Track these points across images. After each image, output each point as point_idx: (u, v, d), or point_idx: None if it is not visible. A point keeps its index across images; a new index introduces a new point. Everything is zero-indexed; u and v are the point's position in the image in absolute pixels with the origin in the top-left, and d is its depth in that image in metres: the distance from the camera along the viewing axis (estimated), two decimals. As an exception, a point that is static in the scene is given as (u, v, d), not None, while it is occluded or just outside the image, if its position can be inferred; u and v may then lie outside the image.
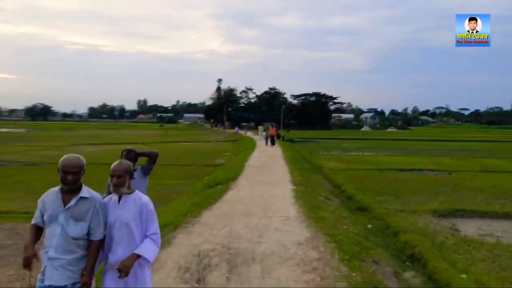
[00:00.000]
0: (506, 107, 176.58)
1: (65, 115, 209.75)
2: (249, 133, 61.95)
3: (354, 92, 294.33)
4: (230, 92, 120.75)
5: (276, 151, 28.35)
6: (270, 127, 41.86)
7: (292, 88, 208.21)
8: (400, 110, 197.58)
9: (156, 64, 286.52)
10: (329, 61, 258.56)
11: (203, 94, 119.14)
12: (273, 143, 34.15)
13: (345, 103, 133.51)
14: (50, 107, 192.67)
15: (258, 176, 14.73)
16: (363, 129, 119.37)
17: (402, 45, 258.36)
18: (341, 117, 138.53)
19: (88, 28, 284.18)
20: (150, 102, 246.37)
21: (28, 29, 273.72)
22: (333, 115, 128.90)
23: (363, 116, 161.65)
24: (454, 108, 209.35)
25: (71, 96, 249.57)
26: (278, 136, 43.24)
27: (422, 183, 16.60)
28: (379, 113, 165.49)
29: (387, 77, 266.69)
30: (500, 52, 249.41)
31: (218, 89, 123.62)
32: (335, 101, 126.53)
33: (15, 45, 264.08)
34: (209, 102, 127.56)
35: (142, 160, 5.88)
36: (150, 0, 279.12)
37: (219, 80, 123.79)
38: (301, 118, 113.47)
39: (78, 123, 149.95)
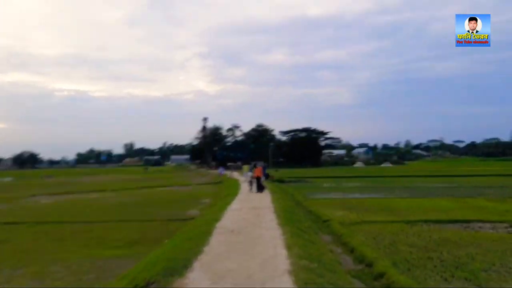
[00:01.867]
0: (503, 138, 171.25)
1: (52, 162, 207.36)
2: (236, 174, 56.03)
3: (344, 128, 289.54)
4: (216, 130, 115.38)
5: (263, 198, 21.49)
6: (253, 167, 36.36)
7: (281, 125, 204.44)
8: (392, 144, 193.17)
9: (144, 107, 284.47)
10: (318, 97, 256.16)
11: (190, 135, 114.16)
12: (259, 188, 25.76)
13: (336, 138, 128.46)
14: (37, 154, 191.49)
15: (229, 259, 8.01)
16: (356, 165, 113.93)
17: (392, 78, 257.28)
18: (333, 153, 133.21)
19: (76, 73, 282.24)
20: (138, 145, 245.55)
21: (16, 77, 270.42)
22: (324, 151, 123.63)
23: (355, 151, 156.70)
24: (448, 140, 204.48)
25: (60, 142, 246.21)
26: (267, 177, 37.45)
27: (489, 248, 10.73)
28: (371, 148, 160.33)
29: (377, 111, 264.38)
30: (495, 82, 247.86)
31: (204, 128, 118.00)
32: (326, 136, 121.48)
33: (3, 93, 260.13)
34: (195, 142, 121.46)
35: None
36: (136, 42, 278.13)
37: (205, 119, 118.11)
38: (290, 156, 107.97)
39: (62, 170, 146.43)
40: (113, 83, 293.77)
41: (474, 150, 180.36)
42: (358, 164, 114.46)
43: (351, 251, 10.17)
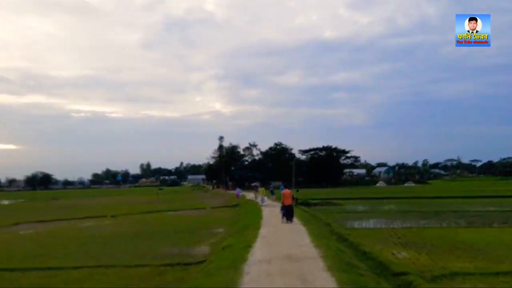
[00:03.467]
0: None
1: (67, 183, 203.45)
2: (252, 196, 51.65)
3: (361, 147, 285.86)
4: (233, 149, 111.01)
5: (298, 235, 16.15)
6: (283, 188, 32.01)
7: (298, 145, 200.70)
8: (410, 163, 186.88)
9: (161, 128, 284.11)
10: (333, 117, 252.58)
11: (207, 155, 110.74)
12: (289, 216, 21.06)
13: (358, 156, 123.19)
14: (51, 175, 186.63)
15: None
16: (378, 184, 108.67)
17: (406, 99, 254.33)
18: (353, 172, 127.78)
19: (93, 95, 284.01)
20: (154, 165, 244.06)
21: (32, 99, 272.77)
22: (344, 170, 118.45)
23: (375, 171, 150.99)
24: (465, 160, 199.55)
25: (76, 163, 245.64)
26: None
27: None
28: (391, 168, 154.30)
29: (392, 131, 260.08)
30: (507, 103, 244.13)
31: (220, 147, 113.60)
32: (347, 155, 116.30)
33: (19, 115, 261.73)
34: (211, 162, 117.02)
35: None
36: (153, 64, 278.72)
37: (221, 138, 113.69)
38: (310, 175, 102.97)
39: (74, 191, 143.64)
40: (130, 104, 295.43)
41: (492, 169, 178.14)
42: (380, 184, 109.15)
43: None
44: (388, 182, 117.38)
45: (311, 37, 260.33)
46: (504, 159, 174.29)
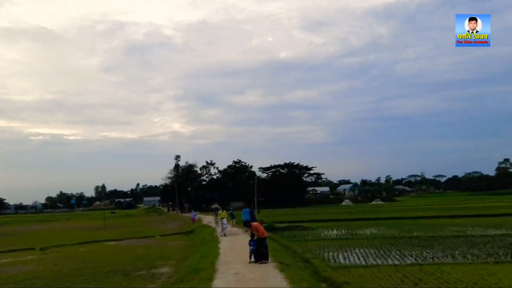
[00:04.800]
0: (484, 172, 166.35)
1: (19, 207, 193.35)
2: (209, 219, 45.24)
3: (322, 165, 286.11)
4: (190, 168, 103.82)
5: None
6: (247, 211, 26.63)
7: (258, 163, 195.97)
8: (372, 180, 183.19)
9: (119, 149, 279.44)
10: (293, 135, 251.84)
11: (164, 176, 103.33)
12: (263, 255, 14.23)
13: (322, 173, 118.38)
14: (3, 199, 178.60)
15: None
16: (344, 203, 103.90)
17: (364, 116, 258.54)
18: (317, 190, 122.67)
19: (52, 118, 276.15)
20: (110, 187, 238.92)
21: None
22: (307, 188, 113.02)
23: (339, 188, 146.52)
24: (428, 175, 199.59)
25: (32, 187, 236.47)
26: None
27: None
28: (356, 185, 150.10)
29: (352, 147, 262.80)
30: (465, 117, 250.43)
31: (176, 166, 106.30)
32: (310, 172, 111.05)
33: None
34: (167, 182, 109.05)
35: None
36: (113, 87, 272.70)
37: (177, 157, 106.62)
38: (271, 194, 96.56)
39: (23, 216, 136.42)
40: (89, 126, 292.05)
41: (458, 184, 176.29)
42: (346, 202, 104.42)
43: None
44: (354, 200, 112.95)
45: (267, 58, 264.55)
46: (469, 173, 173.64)
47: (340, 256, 18.33)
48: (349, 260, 17.41)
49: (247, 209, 27.45)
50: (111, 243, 31.15)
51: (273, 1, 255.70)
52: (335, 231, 30.66)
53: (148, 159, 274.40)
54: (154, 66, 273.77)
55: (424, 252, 18.52)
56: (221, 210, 30.74)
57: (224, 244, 21.12)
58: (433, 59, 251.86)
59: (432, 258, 16.87)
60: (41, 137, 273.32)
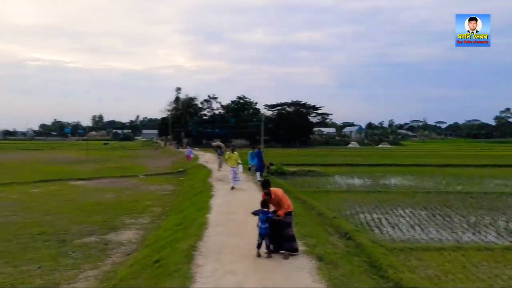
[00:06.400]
0: (483, 120, 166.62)
1: (7, 133, 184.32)
2: (208, 157, 39.97)
3: (326, 106, 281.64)
4: (190, 101, 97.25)
5: None
6: (255, 152, 21.37)
7: (262, 101, 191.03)
8: (375, 123, 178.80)
9: (121, 80, 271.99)
10: (297, 76, 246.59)
11: (162, 108, 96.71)
12: (286, 244, 8.02)
13: (330, 113, 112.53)
14: None
15: None
16: (350, 145, 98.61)
17: (369, 60, 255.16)
18: (323, 131, 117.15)
19: (51, 44, 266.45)
20: (109, 118, 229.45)
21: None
22: (313, 129, 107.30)
23: (346, 130, 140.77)
24: (430, 121, 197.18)
25: (25, 113, 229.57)
26: (262, 168, 21.53)
27: None
28: (362, 128, 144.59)
29: (357, 91, 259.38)
30: (468, 67, 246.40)
31: (177, 99, 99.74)
32: (318, 111, 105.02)
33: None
34: (165, 115, 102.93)
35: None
36: (116, 15, 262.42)
37: (178, 89, 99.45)
38: (276, 133, 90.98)
39: (12, 142, 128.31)
40: (90, 55, 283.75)
41: (458, 131, 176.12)
42: (353, 145, 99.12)
43: None
44: (361, 142, 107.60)
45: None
46: (469, 121, 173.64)
47: (384, 222, 12.95)
48: (401, 230, 11.98)
49: (254, 152, 21.69)
50: (78, 183, 25.36)
51: None
52: (356, 180, 25.32)
53: (150, 92, 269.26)
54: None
55: (499, 220, 13.15)
56: (231, 151, 19.29)
57: (220, 200, 14.95)
58: (439, 8, 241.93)
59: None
60: (39, 62, 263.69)
